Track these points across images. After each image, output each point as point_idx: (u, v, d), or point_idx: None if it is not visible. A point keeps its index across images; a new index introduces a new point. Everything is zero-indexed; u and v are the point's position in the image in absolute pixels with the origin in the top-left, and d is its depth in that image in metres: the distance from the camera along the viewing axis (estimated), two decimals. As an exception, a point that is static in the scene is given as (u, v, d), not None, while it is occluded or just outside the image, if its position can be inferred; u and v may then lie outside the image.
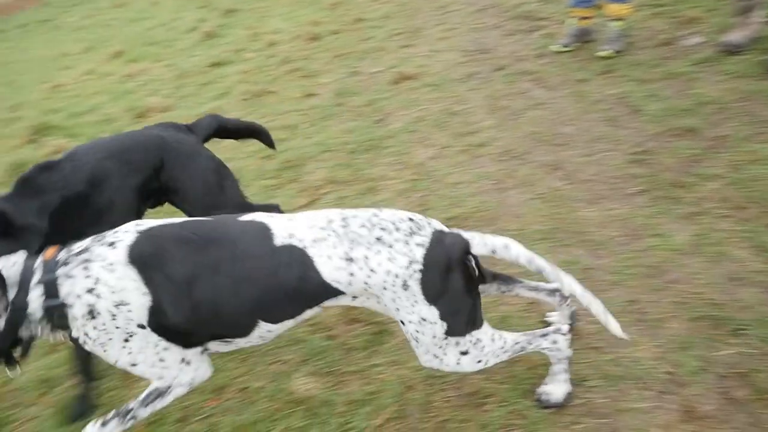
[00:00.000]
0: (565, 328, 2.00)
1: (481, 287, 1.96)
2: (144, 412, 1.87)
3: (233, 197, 2.56)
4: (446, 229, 1.84)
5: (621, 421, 2.00)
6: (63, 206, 2.21)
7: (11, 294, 1.66)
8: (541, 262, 1.82)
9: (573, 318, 2.27)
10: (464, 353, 1.86)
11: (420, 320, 1.76)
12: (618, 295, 2.46)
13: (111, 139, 2.53)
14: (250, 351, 2.56)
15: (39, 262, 1.70)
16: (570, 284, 1.82)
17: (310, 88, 5.19)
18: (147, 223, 1.79)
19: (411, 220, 1.78)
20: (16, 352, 1.80)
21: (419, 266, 1.70)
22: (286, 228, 1.76)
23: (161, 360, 1.78)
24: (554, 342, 1.96)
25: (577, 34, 4.60)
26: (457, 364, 1.88)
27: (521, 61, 4.68)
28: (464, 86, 4.51)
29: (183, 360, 1.82)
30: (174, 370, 1.82)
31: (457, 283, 1.75)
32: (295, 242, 1.72)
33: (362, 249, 1.69)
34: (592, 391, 2.11)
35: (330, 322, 2.62)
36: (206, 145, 2.64)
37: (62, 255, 1.72)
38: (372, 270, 1.69)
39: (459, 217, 3.11)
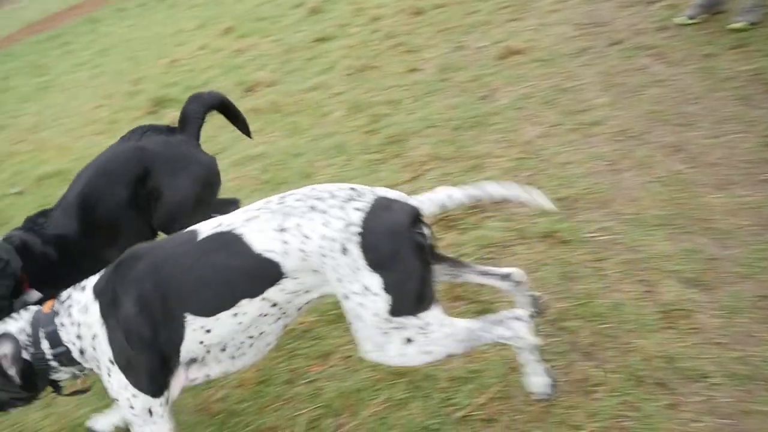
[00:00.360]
0: (524, 313, 1.83)
1: None
2: None
3: (204, 213, 2.38)
4: (394, 196, 1.76)
5: (747, 424, 1.85)
6: (68, 241, 2.33)
7: (31, 349, 1.84)
8: (469, 190, 1.81)
9: (536, 305, 2.11)
10: (409, 341, 1.70)
11: (363, 290, 1.63)
12: (747, 289, 2.27)
13: (91, 165, 2.51)
14: (355, 321, 2.62)
15: (40, 317, 1.86)
16: (495, 189, 1.81)
17: (413, 63, 5.16)
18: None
19: (352, 189, 1.73)
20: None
21: (357, 229, 1.63)
22: (216, 221, 1.77)
23: (131, 407, 1.81)
24: (513, 329, 1.78)
25: (705, 4, 4.23)
26: (401, 355, 1.72)
27: (640, 35, 4.38)
28: (576, 62, 4.30)
29: (150, 411, 1.81)
30: (140, 420, 1.82)
31: (404, 250, 1.63)
32: (222, 228, 1.72)
33: (295, 219, 1.66)
34: (714, 389, 1.97)
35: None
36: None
37: (56, 306, 1.87)
38: (306, 236, 1.64)
39: (569, 199, 2.98)
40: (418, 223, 1.72)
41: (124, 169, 2.41)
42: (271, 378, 2.48)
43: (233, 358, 1.84)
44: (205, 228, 1.76)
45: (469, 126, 3.90)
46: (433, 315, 1.70)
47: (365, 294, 1.64)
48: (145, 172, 2.41)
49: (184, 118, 2.61)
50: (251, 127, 4.47)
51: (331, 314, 2.69)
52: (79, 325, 1.81)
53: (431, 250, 1.78)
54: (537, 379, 1.96)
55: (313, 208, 1.67)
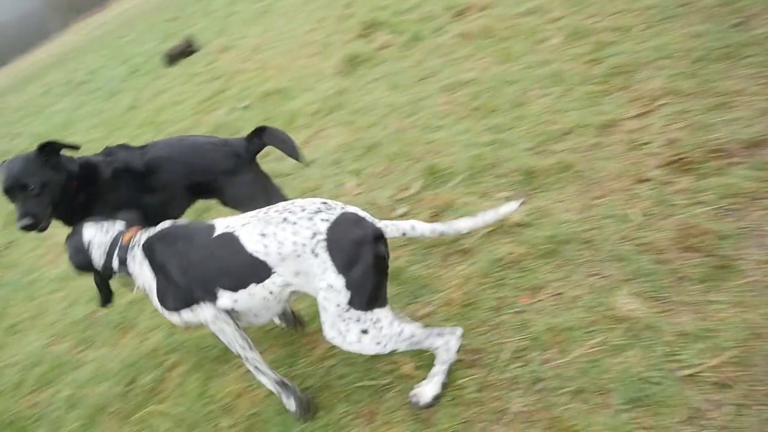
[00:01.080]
0: (460, 331, 2.14)
1: None
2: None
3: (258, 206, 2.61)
4: (362, 214, 2.06)
5: None
6: (124, 171, 2.77)
7: (103, 257, 2.39)
8: (439, 227, 2.10)
9: None
10: (365, 332, 2.01)
11: (327, 287, 1.97)
12: None
13: (184, 144, 2.92)
14: (570, 258, 2.50)
15: (121, 240, 2.37)
16: (465, 224, 2.10)
17: (647, -15, 4.58)
18: (151, 230, 2.37)
19: (324, 203, 2.06)
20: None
21: (323, 236, 1.96)
22: (226, 222, 2.20)
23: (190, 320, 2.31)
24: (447, 342, 2.11)
25: None
26: (358, 342, 2.03)
27: None
28: None
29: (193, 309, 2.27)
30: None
31: (365, 258, 1.95)
32: (228, 230, 2.15)
33: (272, 227, 2.04)
34: None
35: (662, 245, 2.38)
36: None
37: (130, 243, 2.35)
38: (280, 243, 2.01)
39: None
40: (381, 240, 2.02)
41: (196, 166, 2.84)
42: (478, 302, 2.49)
43: (256, 316, 2.31)
44: (219, 226, 2.21)
45: (715, 58, 3.38)
46: (385, 314, 2.03)
47: (329, 290, 1.98)
48: (211, 178, 2.85)
49: (251, 143, 2.93)
50: (460, 53, 4.39)
51: (542, 248, 2.60)
52: (137, 273, 2.35)
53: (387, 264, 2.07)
54: (429, 387, 2.17)
55: (285, 220, 2.04)
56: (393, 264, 2.89)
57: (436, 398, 2.16)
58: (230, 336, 2.29)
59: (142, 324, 3.41)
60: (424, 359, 2.32)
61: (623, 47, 3.89)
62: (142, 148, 2.91)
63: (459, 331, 2.14)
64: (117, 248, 2.36)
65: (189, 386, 2.74)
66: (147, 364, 3.05)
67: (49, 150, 2.59)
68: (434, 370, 2.16)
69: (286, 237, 2.01)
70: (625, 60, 3.72)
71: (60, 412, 3.03)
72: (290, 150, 2.95)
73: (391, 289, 2.75)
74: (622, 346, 2.09)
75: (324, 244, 1.96)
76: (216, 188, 2.89)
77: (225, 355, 2.82)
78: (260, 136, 2.94)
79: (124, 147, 2.90)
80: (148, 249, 2.31)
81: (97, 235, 2.40)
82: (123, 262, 2.35)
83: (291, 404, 2.33)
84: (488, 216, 2.10)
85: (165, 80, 9.56)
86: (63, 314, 3.94)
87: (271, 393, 2.47)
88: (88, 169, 2.75)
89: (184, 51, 10.46)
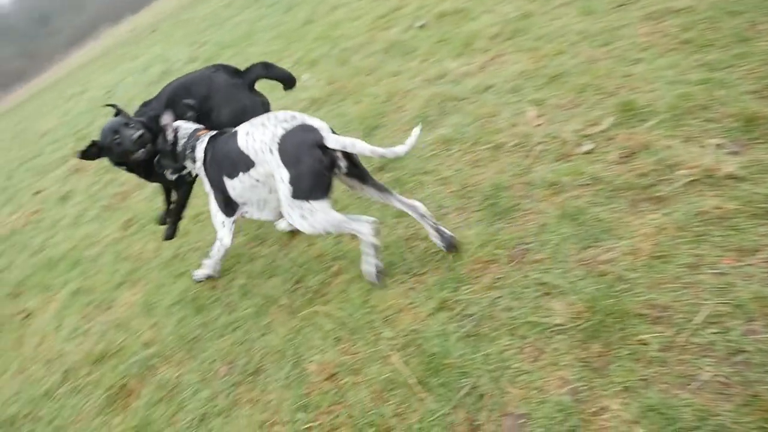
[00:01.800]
0: (371, 219, 2.65)
1: (363, 191, 2.78)
2: (212, 257, 3.44)
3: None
4: (317, 125, 2.58)
5: None
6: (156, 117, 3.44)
7: (183, 139, 3.22)
8: (381, 150, 2.44)
9: (443, 238, 2.74)
10: (303, 217, 2.60)
11: (280, 179, 2.59)
12: None
13: (180, 79, 3.67)
14: (795, 222, 2.15)
15: (194, 136, 3.17)
16: (401, 149, 2.45)
17: None
18: (212, 132, 3.16)
19: (293, 117, 2.64)
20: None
21: (278, 139, 2.58)
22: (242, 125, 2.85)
23: (216, 213, 3.15)
24: (362, 228, 2.63)
25: None
26: (299, 224, 2.62)
27: None
28: None
29: (223, 224, 3.15)
30: (218, 225, 3.18)
31: (304, 159, 2.50)
32: (236, 128, 2.86)
33: (254, 128, 2.71)
34: None
35: None
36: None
37: (200, 136, 3.15)
38: (254, 139, 2.68)
39: None
40: (321, 145, 2.51)
41: (196, 88, 3.57)
42: (670, 256, 2.25)
43: (260, 209, 3.03)
44: (238, 127, 2.88)
45: None
46: (320, 205, 2.56)
47: (281, 182, 2.59)
48: (208, 93, 3.55)
49: (249, 71, 3.60)
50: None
51: (759, 206, 2.26)
52: (199, 155, 3.12)
53: (334, 165, 2.57)
54: (366, 267, 2.80)
55: (263, 124, 2.68)
56: (572, 204, 2.70)
57: (380, 273, 2.78)
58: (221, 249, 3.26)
59: (310, 229, 3.58)
60: (593, 305, 2.16)
61: None
62: (158, 95, 3.64)
63: (369, 219, 2.65)
64: (192, 137, 3.16)
65: (352, 294, 2.84)
66: (313, 267, 3.22)
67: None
68: (363, 251, 2.74)
69: (257, 137, 2.66)
70: None
71: (234, 298, 3.33)
72: (285, 80, 3.64)
73: (567, 229, 2.58)
74: None
75: (277, 145, 2.57)
76: (213, 107, 3.50)
77: (388, 270, 2.87)
78: (260, 68, 3.55)
79: (145, 104, 3.63)
80: (210, 142, 3.07)
81: (184, 124, 3.25)
82: (192, 150, 3.14)
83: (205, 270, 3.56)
84: (412, 138, 2.46)
85: (341, -4, 9.66)
86: (240, 210, 4.27)
87: (432, 314, 2.49)
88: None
89: (361, -33, 10.42)
